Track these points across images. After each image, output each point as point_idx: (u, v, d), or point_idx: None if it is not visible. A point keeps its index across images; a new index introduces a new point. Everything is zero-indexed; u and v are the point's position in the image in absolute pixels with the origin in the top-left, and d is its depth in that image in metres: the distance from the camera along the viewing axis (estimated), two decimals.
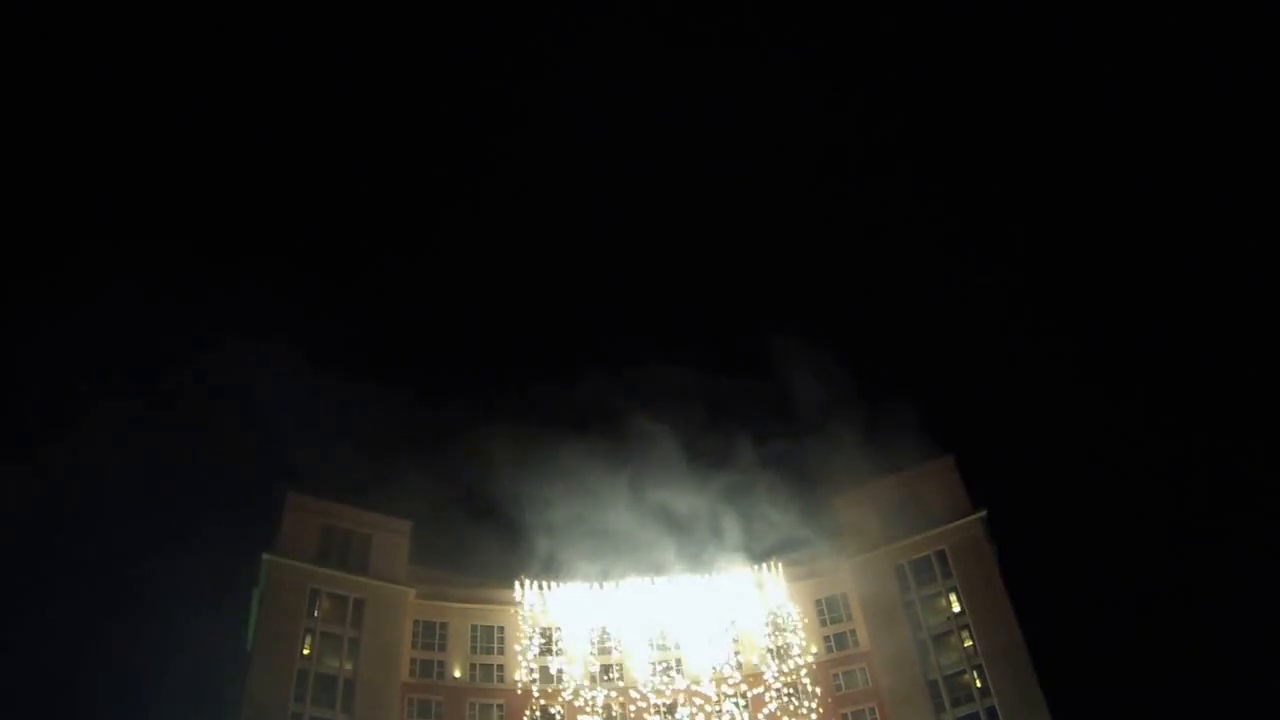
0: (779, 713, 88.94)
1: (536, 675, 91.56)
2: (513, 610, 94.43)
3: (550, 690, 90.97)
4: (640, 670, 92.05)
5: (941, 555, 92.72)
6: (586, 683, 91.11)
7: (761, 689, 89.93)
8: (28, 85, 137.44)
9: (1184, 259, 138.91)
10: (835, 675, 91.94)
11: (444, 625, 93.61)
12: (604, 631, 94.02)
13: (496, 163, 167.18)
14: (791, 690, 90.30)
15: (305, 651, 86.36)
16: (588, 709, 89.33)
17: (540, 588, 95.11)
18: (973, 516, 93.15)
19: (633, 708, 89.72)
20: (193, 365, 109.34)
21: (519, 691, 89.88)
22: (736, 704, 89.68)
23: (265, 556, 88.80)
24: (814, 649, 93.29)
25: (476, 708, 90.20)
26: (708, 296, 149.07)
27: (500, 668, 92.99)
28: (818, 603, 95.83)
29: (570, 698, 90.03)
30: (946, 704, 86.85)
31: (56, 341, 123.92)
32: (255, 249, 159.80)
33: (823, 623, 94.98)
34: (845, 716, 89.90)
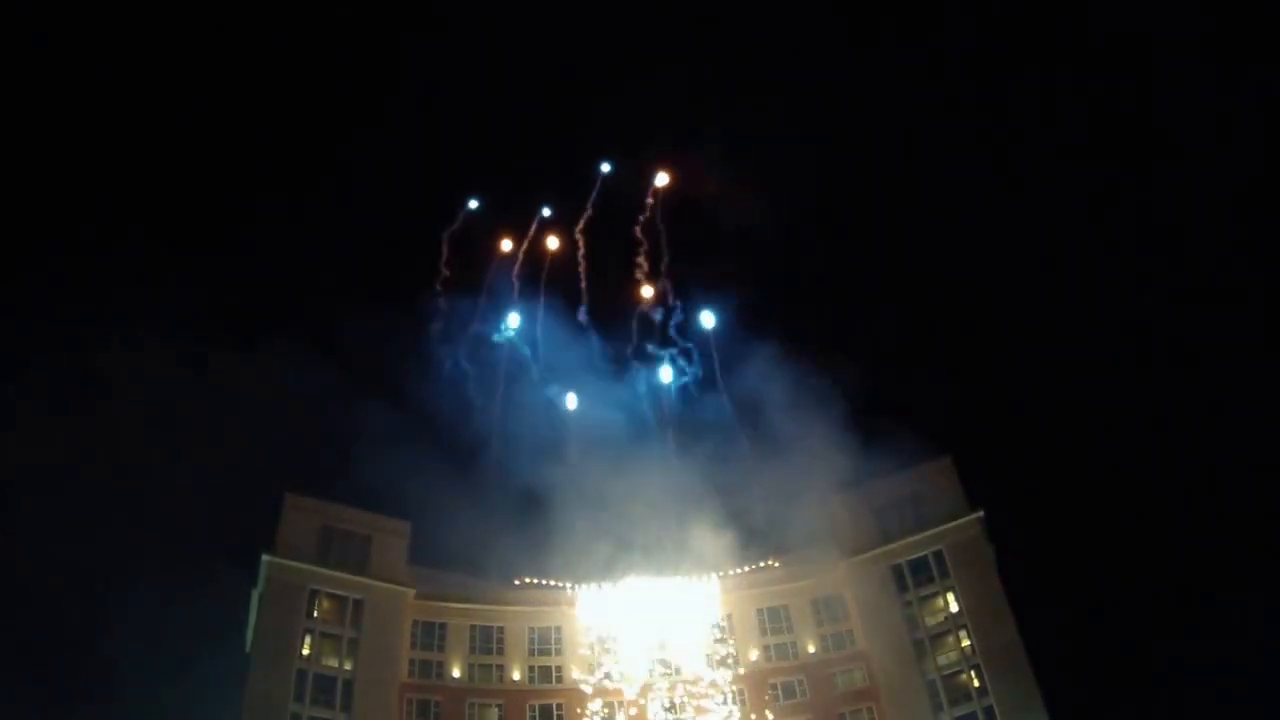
0: (773, 712, 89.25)
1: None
2: (512, 611, 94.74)
3: (548, 690, 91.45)
4: (638, 669, 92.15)
5: (939, 555, 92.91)
6: (584, 682, 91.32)
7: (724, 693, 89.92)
8: None
9: (1183, 258, 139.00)
10: (833, 675, 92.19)
11: (443, 626, 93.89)
12: (602, 632, 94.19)
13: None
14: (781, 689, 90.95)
15: (305, 652, 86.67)
16: (585, 708, 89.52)
17: (538, 585, 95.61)
18: (970, 517, 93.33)
19: (628, 702, 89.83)
20: (190, 365, 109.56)
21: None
22: (731, 703, 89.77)
23: (264, 557, 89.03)
24: (811, 648, 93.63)
25: (475, 708, 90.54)
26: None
27: (499, 668, 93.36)
28: (814, 602, 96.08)
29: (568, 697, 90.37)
30: (944, 704, 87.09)
31: (52, 336, 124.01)
32: (255, 248, 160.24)
33: (820, 622, 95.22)
34: (843, 716, 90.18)
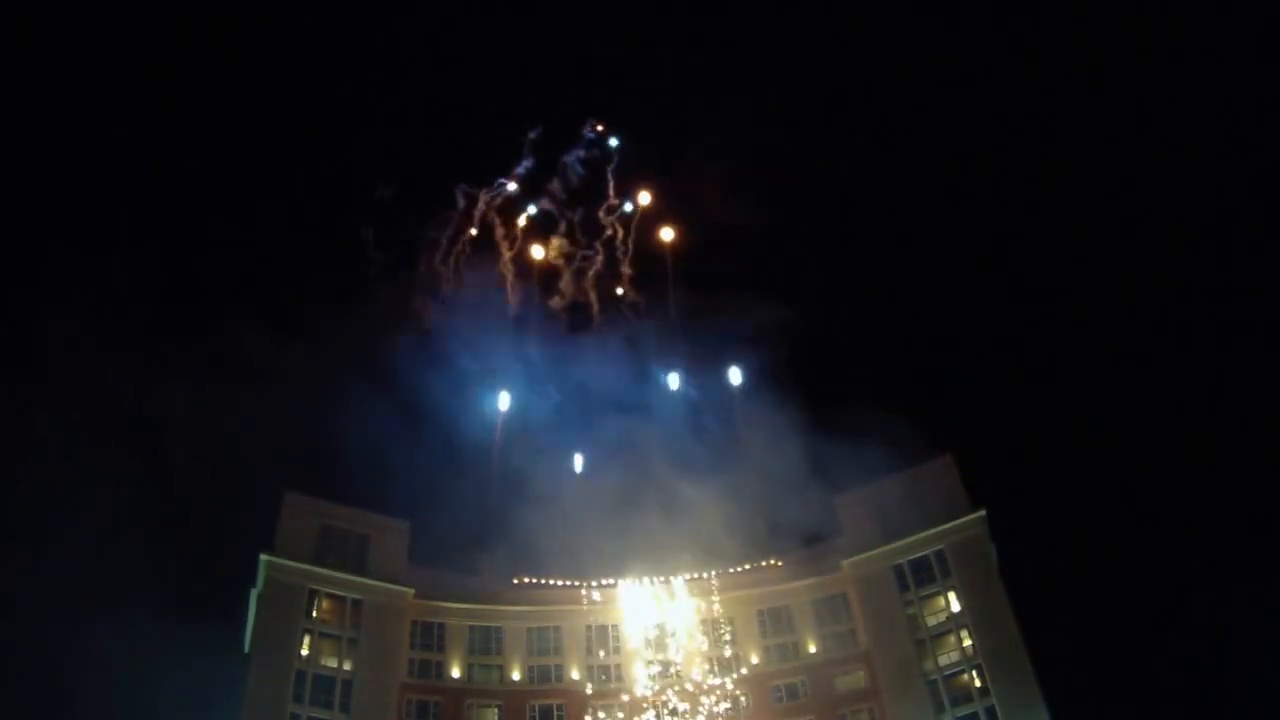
0: (775, 713, 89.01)
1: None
2: (511, 610, 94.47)
3: (548, 690, 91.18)
4: (637, 670, 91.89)
5: (941, 555, 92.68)
6: (583, 682, 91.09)
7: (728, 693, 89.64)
8: None
9: (1183, 257, 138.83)
10: (834, 675, 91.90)
11: (442, 626, 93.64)
12: (602, 631, 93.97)
13: None
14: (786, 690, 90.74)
15: (304, 652, 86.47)
16: (586, 708, 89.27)
17: (538, 585, 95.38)
18: (972, 516, 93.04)
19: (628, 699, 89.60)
20: (189, 364, 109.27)
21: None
22: (731, 702, 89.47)
23: (263, 557, 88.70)
24: (812, 648, 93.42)
25: (475, 708, 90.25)
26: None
27: (499, 668, 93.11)
28: (815, 603, 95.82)
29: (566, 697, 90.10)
30: (945, 703, 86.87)
31: (48, 336, 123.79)
32: (251, 247, 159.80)
33: (821, 622, 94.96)
34: (844, 716, 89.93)
